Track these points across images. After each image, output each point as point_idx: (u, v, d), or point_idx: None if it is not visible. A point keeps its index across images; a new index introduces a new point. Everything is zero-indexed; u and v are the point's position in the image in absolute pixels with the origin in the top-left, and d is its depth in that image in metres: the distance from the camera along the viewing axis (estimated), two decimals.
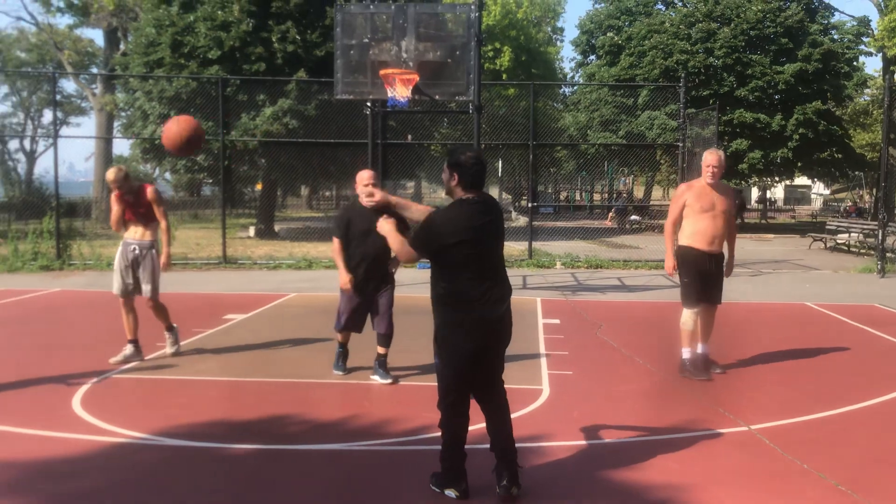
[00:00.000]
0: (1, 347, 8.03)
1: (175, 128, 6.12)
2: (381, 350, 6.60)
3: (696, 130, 19.03)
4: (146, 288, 7.27)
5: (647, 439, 5.18)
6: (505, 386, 4.34)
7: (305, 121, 20.53)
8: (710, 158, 6.65)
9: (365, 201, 6.05)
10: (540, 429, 5.28)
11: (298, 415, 5.66)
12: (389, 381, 6.50)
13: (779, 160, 29.33)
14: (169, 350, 7.55)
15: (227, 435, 5.16)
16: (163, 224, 7.28)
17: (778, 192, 55.72)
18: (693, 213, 6.71)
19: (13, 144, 46.55)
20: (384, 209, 6.17)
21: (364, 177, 6.31)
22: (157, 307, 7.39)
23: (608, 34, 33.87)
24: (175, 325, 7.63)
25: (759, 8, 29.45)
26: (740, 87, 28.91)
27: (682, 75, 19.65)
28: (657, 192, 49.35)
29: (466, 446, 4.22)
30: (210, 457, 4.81)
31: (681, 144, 15.97)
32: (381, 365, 6.60)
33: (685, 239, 6.77)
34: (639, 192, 44.93)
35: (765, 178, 35.08)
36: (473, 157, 4.17)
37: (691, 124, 18.41)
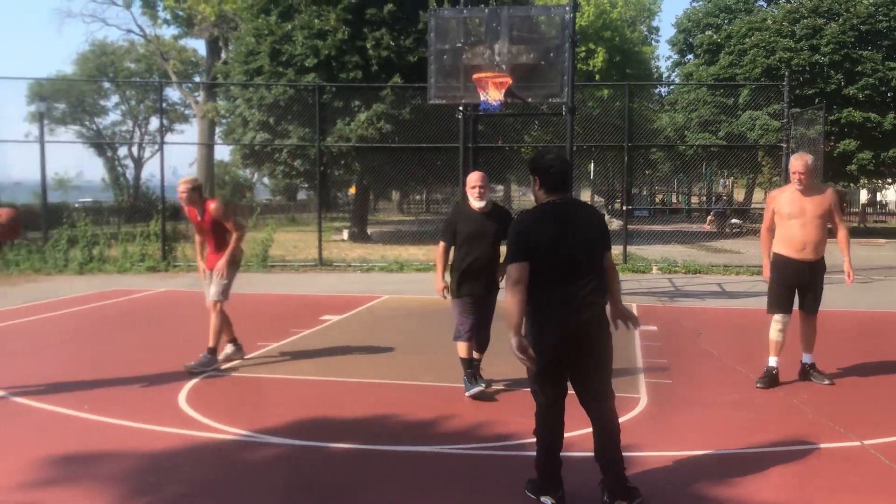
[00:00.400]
0: (112, 344, 8.42)
1: None
2: (476, 356, 6.38)
3: (800, 131, 18.28)
4: (211, 290, 7.13)
5: (750, 452, 4.98)
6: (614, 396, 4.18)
7: (398, 125, 20.78)
8: (796, 164, 6.40)
9: (474, 204, 6.09)
10: (637, 439, 5.15)
11: (392, 416, 5.71)
12: (480, 388, 6.13)
13: (891, 160, 27.85)
14: (193, 364, 7.04)
15: (325, 434, 5.25)
16: (234, 236, 7.06)
17: (890, 194, 52.86)
18: (782, 219, 6.55)
19: (122, 151, 48.95)
20: (491, 213, 6.16)
21: (473, 178, 6.14)
22: (215, 312, 7.11)
23: (706, 32, 32.91)
24: (212, 347, 7.15)
25: (871, 2, 28.04)
26: (849, 86, 27.56)
27: (786, 74, 18.92)
28: (758, 195, 47.58)
29: (576, 454, 4.11)
30: (310, 455, 4.91)
31: (784, 145, 15.37)
32: (473, 371, 6.40)
33: (776, 245, 6.65)
34: (739, 195, 43.45)
35: (875, 180, 33.32)
36: (553, 160, 4.07)
37: (796, 124, 17.69)
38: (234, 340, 7.42)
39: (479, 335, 6.29)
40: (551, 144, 23.78)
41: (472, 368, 6.21)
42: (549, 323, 3.98)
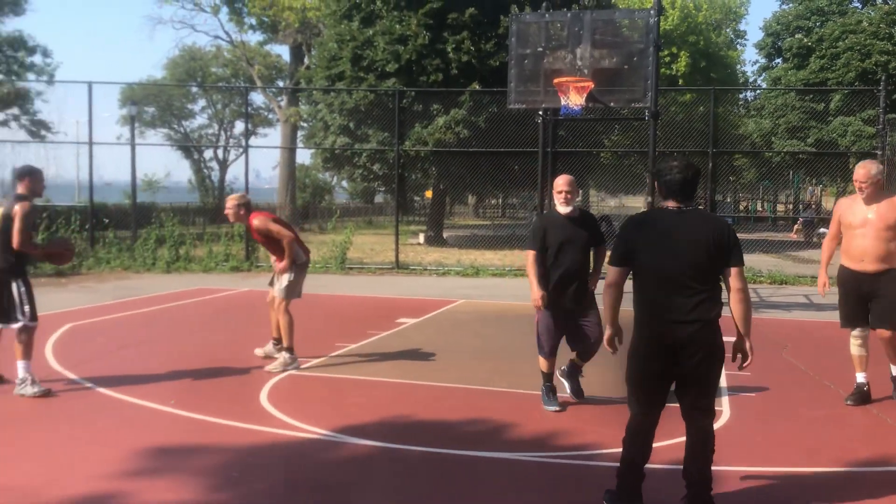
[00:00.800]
0: (197, 341, 8.69)
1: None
2: (577, 361, 6.17)
3: None
4: (277, 287, 7.30)
5: (837, 471, 4.78)
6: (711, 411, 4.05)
7: (476, 130, 20.82)
8: (858, 173, 6.10)
9: (560, 209, 5.87)
10: (718, 453, 5.00)
11: (468, 421, 5.71)
12: (556, 408, 5.94)
13: None
14: (269, 358, 7.46)
15: (402, 436, 5.29)
16: (284, 242, 7.12)
17: None
18: (845, 229, 6.31)
19: (208, 153, 50.42)
20: (580, 219, 5.91)
21: (560, 182, 5.86)
22: (279, 311, 7.27)
23: (796, 36, 31.96)
24: (288, 346, 7.26)
25: None
26: None
27: (883, 78, 18.13)
28: None
29: (661, 466, 4.02)
30: (387, 457, 4.95)
31: (879, 152, 14.73)
32: (571, 375, 6.23)
33: (841, 256, 6.42)
34: (828, 204, 41.88)
35: None
36: (673, 167, 3.98)
37: (892, 131, 16.92)
38: (278, 340, 7.53)
39: (579, 344, 6.01)
40: (632, 150, 23.43)
41: (550, 382, 6.04)
42: (644, 333, 3.95)
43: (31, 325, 6.21)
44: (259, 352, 7.68)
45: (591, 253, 6.02)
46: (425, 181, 25.81)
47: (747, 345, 4.01)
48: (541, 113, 12.18)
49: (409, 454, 4.99)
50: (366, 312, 10.86)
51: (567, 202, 5.81)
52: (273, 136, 59.04)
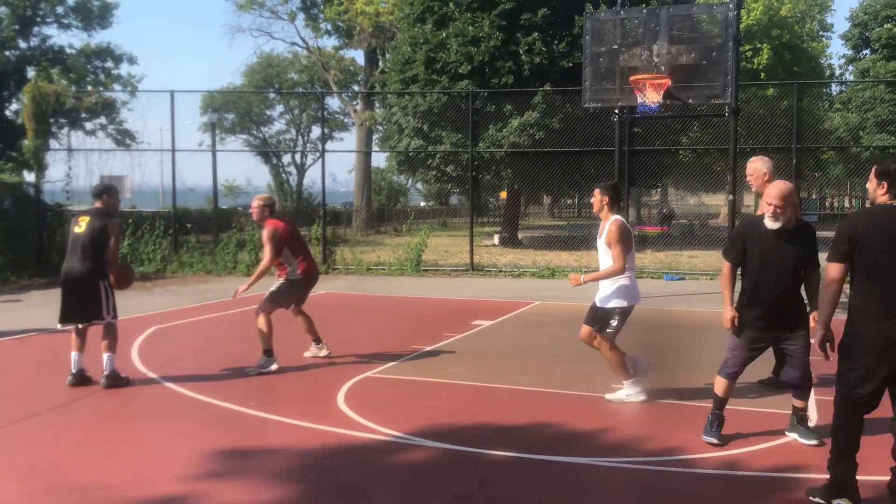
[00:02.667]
0: (276, 344, 8.83)
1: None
2: (798, 403, 5.21)
3: None
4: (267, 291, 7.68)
5: None
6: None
7: (549, 131, 20.64)
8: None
9: (767, 223, 4.92)
10: (803, 459, 4.80)
11: (546, 424, 5.63)
12: (814, 441, 5.06)
13: None
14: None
15: (478, 440, 5.25)
16: (265, 261, 7.37)
17: None
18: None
19: (286, 158, 51.52)
20: (791, 234, 4.97)
21: (770, 193, 4.89)
22: (257, 315, 7.47)
23: (885, 25, 30.61)
24: (265, 349, 7.42)
25: None
26: None
27: None
28: None
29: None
30: (464, 461, 4.92)
31: None
32: (801, 421, 5.21)
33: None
34: None
35: None
36: None
37: None
38: (317, 339, 7.93)
39: (790, 379, 5.18)
40: (711, 147, 22.85)
41: (721, 410, 5.23)
42: (860, 332, 3.96)
43: (115, 321, 6.78)
44: (308, 353, 7.98)
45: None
46: (499, 182, 25.73)
47: None
48: (616, 111, 11.99)
49: (485, 458, 4.95)
50: (441, 314, 10.87)
51: (774, 218, 4.86)
52: (349, 141, 60.08)
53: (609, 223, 6.17)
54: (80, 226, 6.66)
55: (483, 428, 5.57)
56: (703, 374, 7.18)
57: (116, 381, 6.63)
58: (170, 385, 6.78)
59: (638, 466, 4.80)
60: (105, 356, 6.64)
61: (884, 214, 3.98)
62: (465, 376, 7.10)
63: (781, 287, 4.91)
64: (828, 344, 4.15)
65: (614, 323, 6.15)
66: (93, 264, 6.60)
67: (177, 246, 17.14)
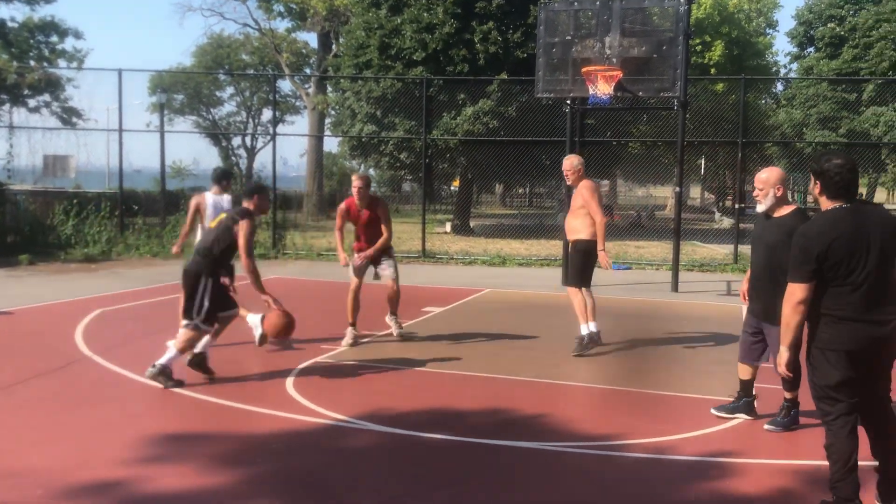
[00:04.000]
0: (231, 329, 8.74)
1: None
2: (788, 395, 5.32)
3: None
4: (389, 272, 8.34)
5: None
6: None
7: (504, 120, 20.74)
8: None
9: (758, 206, 5.17)
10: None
11: (492, 410, 5.70)
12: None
13: None
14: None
15: (425, 424, 5.30)
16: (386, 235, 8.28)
17: None
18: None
19: (236, 141, 50.70)
20: (778, 220, 5.06)
21: (757, 177, 5.13)
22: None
23: (829, 25, 31.41)
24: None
25: None
26: None
27: None
28: (880, 195, 45.14)
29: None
30: (410, 444, 4.96)
31: None
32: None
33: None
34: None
35: None
36: (838, 166, 3.81)
37: None
38: (354, 323, 7.96)
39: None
40: (660, 140, 23.23)
41: (749, 396, 5.45)
42: (837, 341, 3.75)
43: (202, 326, 6.31)
44: (344, 343, 7.75)
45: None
46: (453, 171, 25.79)
47: None
48: (569, 102, 12.11)
49: (430, 441, 5.00)
50: None
51: (759, 201, 5.14)
52: (300, 124, 59.16)
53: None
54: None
55: (430, 412, 5.62)
56: (647, 363, 7.35)
57: (161, 375, 6.13)
58: (114, 367, 6.68)
59: (580, 451, 4.89)
60: (169, 346, 6.39)
61: (841, 221, 3.77)
62: (413, 362, 7.14)
63: (759, 268, 5.18)
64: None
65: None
66: (203, 258, 6.62)
67: (123, 228, 16.79)
